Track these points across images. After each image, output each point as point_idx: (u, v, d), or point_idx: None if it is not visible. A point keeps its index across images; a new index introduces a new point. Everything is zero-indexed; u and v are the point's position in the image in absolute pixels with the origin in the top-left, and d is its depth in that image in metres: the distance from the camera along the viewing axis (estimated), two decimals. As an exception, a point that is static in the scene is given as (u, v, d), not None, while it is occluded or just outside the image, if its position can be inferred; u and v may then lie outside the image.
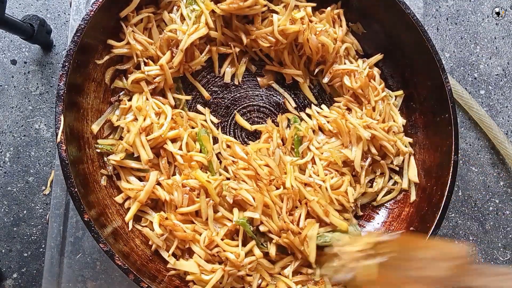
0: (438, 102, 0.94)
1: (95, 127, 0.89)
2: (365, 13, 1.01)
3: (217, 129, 0.97)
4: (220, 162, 0.93)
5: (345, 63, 1.00)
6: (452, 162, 0.90)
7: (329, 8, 0.98)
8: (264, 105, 1.00)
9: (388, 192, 1.00)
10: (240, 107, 1.00)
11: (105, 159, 0.89)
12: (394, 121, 1.00)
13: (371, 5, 0.98)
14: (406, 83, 1.02)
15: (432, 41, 0.93)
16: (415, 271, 0.74)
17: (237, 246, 0.86)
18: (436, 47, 0.93)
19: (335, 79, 1.01)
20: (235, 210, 0.88)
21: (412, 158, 1.00)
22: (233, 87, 1.00)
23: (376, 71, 1.01)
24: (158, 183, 0.87)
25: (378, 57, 1.01)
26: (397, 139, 0.97)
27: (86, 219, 0.77)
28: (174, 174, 0.89)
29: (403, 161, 0.99)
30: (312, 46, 0.95)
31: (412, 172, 0.99)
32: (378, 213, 1.00)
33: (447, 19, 1.21)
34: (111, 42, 0.91)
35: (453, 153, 0.90)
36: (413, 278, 0.73)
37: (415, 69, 0.99)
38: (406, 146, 0.99)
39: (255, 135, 0.99)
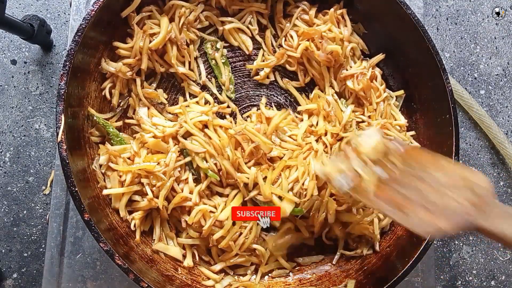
0: (438, 102, 0.94)
1: (93, 130, 0.89)
2: (365, 14, 1.01)
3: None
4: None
5: (351, 66, 1.00)
6: None
7: (332, 9, 0.98)
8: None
9: None
10: (241, 107, 1.00)
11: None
12: (395, 120, 1.00)
13: (372, 6, 0.98)
14: (406, 83, 1.02)
15: (432, 41, 0.93)
16: (425, 193, 0.69)
17: None
18: (436, 47, 0.93)
19: (340, 82, 1.01)
20: None
21: None
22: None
23: (377, 72, 1.01)
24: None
25: (379, 57, 1.01)
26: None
27: (86, 218, 0.77)
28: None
29: None
30: (322, 61, 0.96)
31: None
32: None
33: (447, 19, 1.21)
34: (117, 44, 0.91)
35: (453, 154, 0.90)
36: (419, 202, 0.68)
37: (415, 70, 0.99)
38: (411, 143, 0.99)
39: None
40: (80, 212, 0.77)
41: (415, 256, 0.84)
